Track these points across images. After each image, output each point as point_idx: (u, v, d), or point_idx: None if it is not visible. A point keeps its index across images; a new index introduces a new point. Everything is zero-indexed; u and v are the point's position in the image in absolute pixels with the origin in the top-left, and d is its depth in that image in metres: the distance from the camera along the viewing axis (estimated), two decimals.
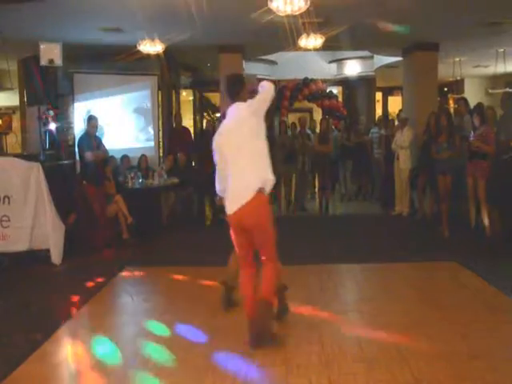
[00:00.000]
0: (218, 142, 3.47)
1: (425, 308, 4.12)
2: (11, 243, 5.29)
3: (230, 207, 3.40)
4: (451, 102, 13.95)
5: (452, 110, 12.10)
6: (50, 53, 7.01)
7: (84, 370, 3.22)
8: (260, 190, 3.34)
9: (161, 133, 9.63)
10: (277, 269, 3.58)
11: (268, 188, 3.41)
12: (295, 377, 2.98)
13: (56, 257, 5.50)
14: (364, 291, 4.79)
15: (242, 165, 3.35)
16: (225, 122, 3.55)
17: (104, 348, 3.53)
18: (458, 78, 12.38)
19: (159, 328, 3.80)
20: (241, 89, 3.54)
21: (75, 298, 4.47)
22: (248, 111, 3.41)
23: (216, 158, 3.49)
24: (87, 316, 4.24)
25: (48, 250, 5.51)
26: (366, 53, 12.83)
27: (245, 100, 3.50)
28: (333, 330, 3.69)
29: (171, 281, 5.01)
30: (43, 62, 6.90)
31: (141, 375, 3.11)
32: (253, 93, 3.59)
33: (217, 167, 3.51)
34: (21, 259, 5.44)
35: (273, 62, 13.70)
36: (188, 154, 8.39)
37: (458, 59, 11.21)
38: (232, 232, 3.49)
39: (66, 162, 7.09)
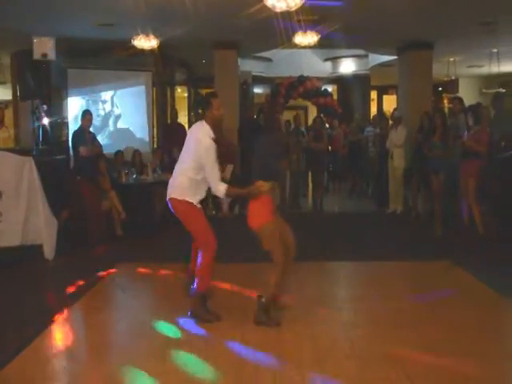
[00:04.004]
0: None
1: (417, 306, 4.14)
2: (3, 238, 5.23)
3: None
4: (445, 101, 14.01)
5: (446, 110, 12.15)
6: (44, 47, 6.98)
7: (76, 365, 3.21)
8: (172, 196, 3.77)
9: (155, 129, 9.60)
10: (207, 258, 3.78)
11: (185, 197, 3.74)
12: (288, 372, 2.98)
13: (48, 252, 5.46)
14: (357, 289, 4.80)
15: (176, 168, 3.88)
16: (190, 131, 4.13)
17: (96, 343, 3.52)
18: (453, 77, 12.43)
19: (152, 324, 3.79)
20: (206, 108, 3.89)
21: (67, 294, 4.45)
22: (200, 140, 3.76)
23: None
24: (79, 312, 4.22)
25: (40, 246, 5.47)
26: (360, 51, 12.85)
27: (211, 118, 3.88)
28: (326, 327, 3.70)
29: (164, 277, 5.00)
30: (36, 56, 6.87)
31: (132, 370, 3.10)
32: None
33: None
34: (13, 254, 5.40)
35: (268, 60, 13.68)
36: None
37: (452, 59, 11.26)
38: None
39: (59, 156, 7.05)
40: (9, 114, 9.69)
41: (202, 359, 3.17)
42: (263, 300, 3.70)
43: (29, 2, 6.35)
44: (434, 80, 9.71)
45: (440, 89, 13.59)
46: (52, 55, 6.92)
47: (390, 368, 3.03)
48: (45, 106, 7.67)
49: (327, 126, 10.96)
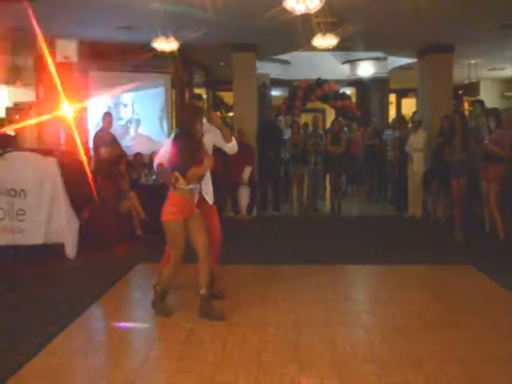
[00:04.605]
0: None
1: (438, 311, 4.10)
2: (27, 236, 5.35)
3: None
4: (466, 104, 13.84)
5: (467, 113, 12.01)
6: (66, 49, 7.12)
7: (97, 362, 3.25)
8: None
9: (174, 130, 9.67)
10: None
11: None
12: (307, 376, 2.98)
13: (70, 251, 5.56)
14: (375, 292, 4.77)
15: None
16: None
17: (117, 341, 3.56)
18: (474, 80, 12.29)
19: (171, 323, 3.82)
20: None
21: (89, 293, 4.51)
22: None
23: None
24: (101, 310, 4.28)
25: (62, 245, 5.57)
26: (379, 54, 12.79)
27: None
28: (345, 331, 3.69)
29: (182, 277, 5.02)
30: (59, 58, 6.99)
31: (154, 368, 3.14)
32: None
33: None
34: (36, 253, 5.50)
35: (286, 62, 13.70)
36: None
37: (473, 61, 11.13)
38: None
39: (80, 157, 7.14)
40: (33, 116, 9.90)
41: (220, 360, 3.19)
42: (157, 288, 3.95)
43: (52, 6, 6.47)
44: (454, 83, 9.60)
45: (460, 92, 13.44)
46: (74, 57, 7.05)
47: (410, 372, 3.01)
48: (67, 107, 7.78)
49: (345, 129, 10.94)
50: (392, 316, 3.97)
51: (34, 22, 7.15)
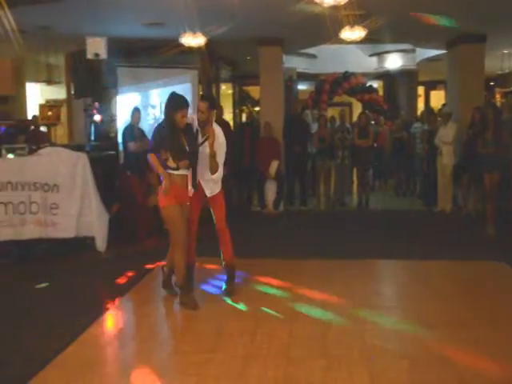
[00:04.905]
0: None
1: (469, 307, 4.03)
2: (59, 230, 5.48)
3: None
4: (498, 96, 13.48)
5: (499, 105, 11.69)
6: (96, 47, 7.21)
7: (127, 352, 3.32)
8: None
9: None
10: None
11: None
12: (336, 371, 2.97)
13: (101, 244, 5.67)
14: (405, 288, 4.72)
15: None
16: None
17: (145, 332, 3.63)
18: (506, 71, 11.94)
19: (199, 316, 3.87)
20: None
21: (119, 285, 4.61)
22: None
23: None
24: (130, 301, 4.36)
25: (93, 238, 5.68)
26: (407, 46, 12.56)
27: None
28: (374, 326, 3.66)
29: (209, 270, 5.07)
30: (89, 55, 7.11)
31: (183, 361, 3.18)
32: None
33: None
34: (68, 246, 5.64)
35: (312, 56, 13.60)
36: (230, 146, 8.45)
37: (506, 51, 10.81)
38: None
39: (109, 152, 7.28)
40: (64, 112, 10.14)
41: (249, 354, 3.20)
42: (165, 269, 4.27)
43: (81, 4, 6.58)
44: (485, 74, 9.35)
45: (492, 83, 13.09)
46: (104, 54, 7.14)
47: (442, 369, 2.97)
48: (97, 104, 7.95)
49: (372, 122, 10.80)
50: (422, 312, 3.92)
51: (65, 20, 7.32)
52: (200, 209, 4.39)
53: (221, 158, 4.15)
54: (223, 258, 4.43)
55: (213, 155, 4.05)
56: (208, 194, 4.29)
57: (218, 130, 4.18)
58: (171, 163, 3.97)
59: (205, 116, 4.11)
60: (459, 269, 5.21)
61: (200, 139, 4.18)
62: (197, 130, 4.18)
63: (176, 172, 3.98)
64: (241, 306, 4.05)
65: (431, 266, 5.22)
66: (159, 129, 4.06)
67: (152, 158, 4.00)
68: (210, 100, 4.25)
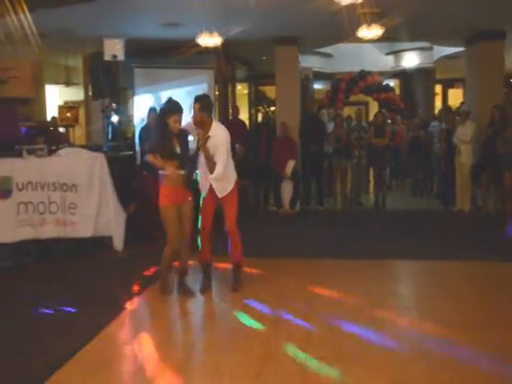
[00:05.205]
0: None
1: (488, 308, 3.98)
2: (77, 229, 5.54)
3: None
4: None
5: None
6: (114, 48, 7.27)
7: (146, 351, 3.34)
8: None
9: None
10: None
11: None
12: (354, 372, 2.95)
13: (118, 244, 5.72)
14: (422, 288, 4.67)
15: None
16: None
17: (164, 332, 3.65)
18: None
19: (217, 314, 3.88)
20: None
21: (137, 284, 4.65)
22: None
23: (227, 149, 4.21)
24: (147, 301, 4.38)
25: (110, 238, 5.74)
26: (425, 44, 12.40)
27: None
28: (392, 327, 3.63)
29: (223, 269, 5.07)
30: (107, 57, 7.17)
31: (201, 359, 3.19)
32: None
33: (226, 156, 4.20)
34: (85, 245, 5.70)
35: (328, 55, 13.53)
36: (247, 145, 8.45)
37: None
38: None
39: (126, 153, 7.34)
40: (82, 113, 10.27)
41: (265, 354, 3.20)
42: (162, 270, 4.37)
43: (99, 6, 6.65)
44: (505, 71, 9.19)
45: None
46: (121, 56, 7.20)
47: (461, 371, 2.92)
48: (114, 105, 8.02)
49: (389, 121, 10.70)
50: (439, 313, 3.88)
51: (83, 23, 7.41)
52: (214, 208, 4.41)
53: (222, 155, 4.15)
54: (230, 259, 4.47)
55: (206, 156, 4.12)
56: (219, 194, 4.32)
57: (217, 128, 4.22)
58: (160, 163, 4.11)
59: (197, 117, 4.19)
60: (478, 270, 5.12)
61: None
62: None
63: (169, 173, 4.09)
64: (257, 306, 4.05)
65: (448, 266, 5.15)
66: (147, 131, 4.24)
67: (150, 158, 4.19)
68: (203, 100, 4.26)
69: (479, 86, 8.98)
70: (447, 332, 3.48)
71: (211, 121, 4.26)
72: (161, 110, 4.26)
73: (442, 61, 12.87)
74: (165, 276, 4.37)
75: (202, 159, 4.25)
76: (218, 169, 4.13)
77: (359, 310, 3.93)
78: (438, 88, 15.33)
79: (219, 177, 4.17)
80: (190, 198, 4.25)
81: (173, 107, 4.15)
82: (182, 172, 4.14)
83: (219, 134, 4.20)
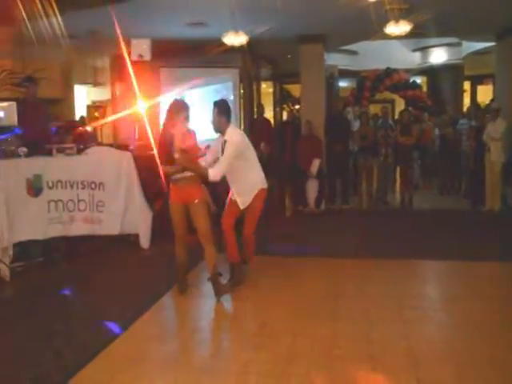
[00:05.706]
0: (246, 143, 4.34)
1: None
2: (105, 227, 5.64)
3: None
4: None
5: None
6: (140, 48, 7.36)
7: (172, 348, 3.38)
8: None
9: (242, 124, 9.79)
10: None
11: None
12: (381, 374, 2.91)
13: (144, 241, 5.79)
14: (450, 289, 4.57)
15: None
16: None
17: (190, 330, 3.68)
18: None
19: (244, 314, 3.89)
20: None
21: (163, 281, 4.69)
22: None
23: (237, 153, 4.20)
24: (174, 298, 4.42)
25: (137, 235, 5.81)
26: (453, 39, 12.16)
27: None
28: (419, 328, 3.57)
29: (252, 269, 5.08)
30: (134, 57, 7.25)
31: (227, 358, 3.20)
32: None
33: (232, 160, 4.18)
34: (112, 242, 5.79)
35: (354, 53, 13.40)
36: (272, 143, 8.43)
37: None
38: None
39: (152, 151, 7.41)
40: (109, 113, 10.44)
41: (292, 353, 3.19)
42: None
43: (126, 8, 6.73)
44: None
45: None
46: (147, 56, 7.29)
47: (492, 373, 2.86)
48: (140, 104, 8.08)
49: (411, 118, 10.50)
50: (469, 313, 3.80)
51: (111, 24, 7.51)
52: (236, 213, 4.50)
53: (225, 156, 4.18)
54: (242, 256, 4.58)
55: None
56: (241, 206, 4.42)
57: (231, 133, 4.26)
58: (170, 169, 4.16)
59: (215, 120, 4.29)
60: (505, 270, 5.00)
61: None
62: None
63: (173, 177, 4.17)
64: (283, 305, 4.04)
65: (477, 267, 5.03)
66: (160, 139, 4.27)
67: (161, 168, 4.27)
68: (221, 105, 4.31)
69: (510, 82, 8.75)
70: (476, 333, 3.41)
71: (228, 124, 4.30)
72: (170, 107, 4.23)
73: (470, 57, 12.61)
74: (178, 275, 4.44)
75: (229, 175, 4.34)
76: (216, 171, 4.14)
77: (386, 310, 3.88)
78: (467, 85, 15.01)
79: (216, 178, 4.18)
80: (197, 200, 4.22)
81: (181, 106, 4.18)
82: (188, 174, 4.14)
83: (232, 139, 4.23)
